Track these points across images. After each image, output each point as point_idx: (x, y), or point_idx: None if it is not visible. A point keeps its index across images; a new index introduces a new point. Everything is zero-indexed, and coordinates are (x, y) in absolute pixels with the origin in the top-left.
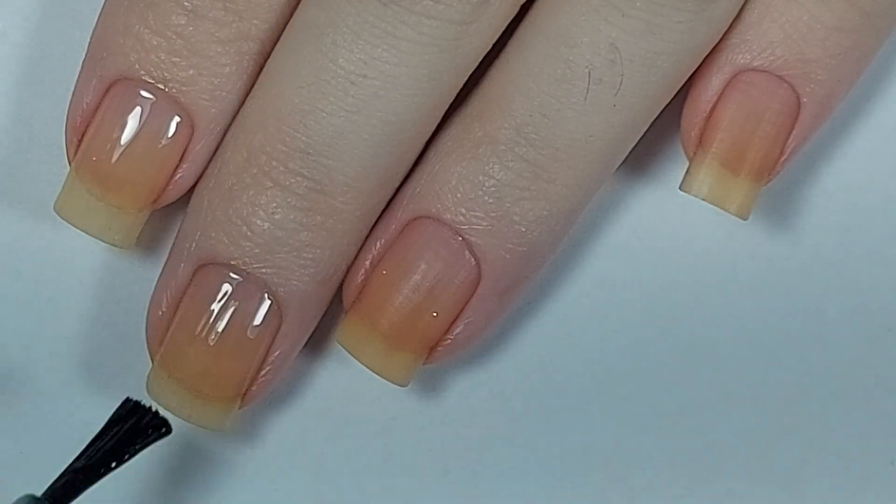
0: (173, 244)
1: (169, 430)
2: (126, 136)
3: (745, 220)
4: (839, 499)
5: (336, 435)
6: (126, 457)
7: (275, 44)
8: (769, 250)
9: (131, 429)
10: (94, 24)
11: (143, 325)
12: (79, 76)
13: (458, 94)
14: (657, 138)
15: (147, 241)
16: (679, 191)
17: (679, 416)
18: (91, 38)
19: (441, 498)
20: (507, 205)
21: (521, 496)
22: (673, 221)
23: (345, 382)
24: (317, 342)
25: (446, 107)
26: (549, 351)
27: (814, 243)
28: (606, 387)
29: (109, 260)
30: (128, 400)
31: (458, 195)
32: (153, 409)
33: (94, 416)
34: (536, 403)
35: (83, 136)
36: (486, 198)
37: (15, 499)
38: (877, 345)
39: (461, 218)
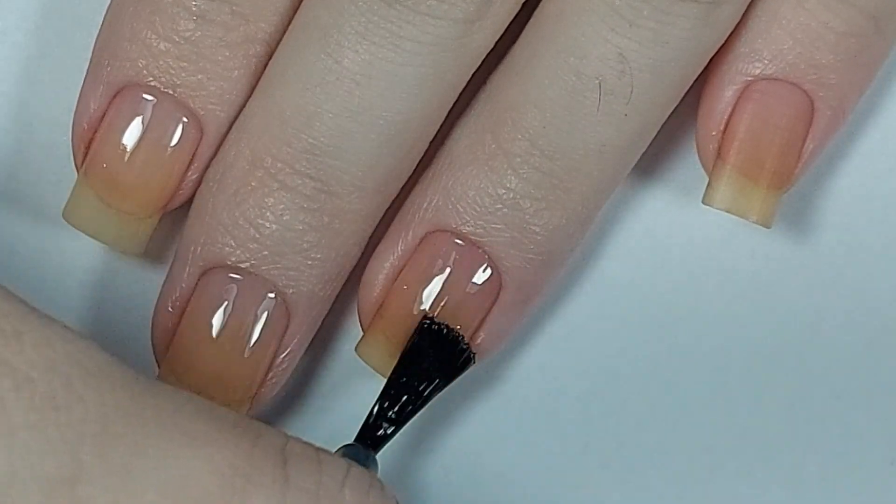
0: (177, 249)
1: (473, 360)
2: (136, 142)
3: (767, 228)
4: (839, 499)
5: (336, 435)
6: (434, 394)
7: None
8: (769, 250)
9: (435, 361)
10: (94, 23)
11: (143, 326)
12: (84, 82)
13: (463, 100)
14: (658, 140)
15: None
16: (703, 204)
17: (679, 416)
18: (95, 44)
19: (441, 498)
20: (526, 215)
21: (521, 496)
22: (672, 221)
23: (345, 383)
24: (316, 342)
25: (450, 105)
26: (550, 351)
27: (814, 243)
28: (607, 387)
29: (109, 260)
30: (424, 324)
31: (477, 208)
32: (458, 337)
33: None
34: (536, 403)
35: (91, 142)
36: (505, 209)
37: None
38: (877, 345)
39: (481, 230)
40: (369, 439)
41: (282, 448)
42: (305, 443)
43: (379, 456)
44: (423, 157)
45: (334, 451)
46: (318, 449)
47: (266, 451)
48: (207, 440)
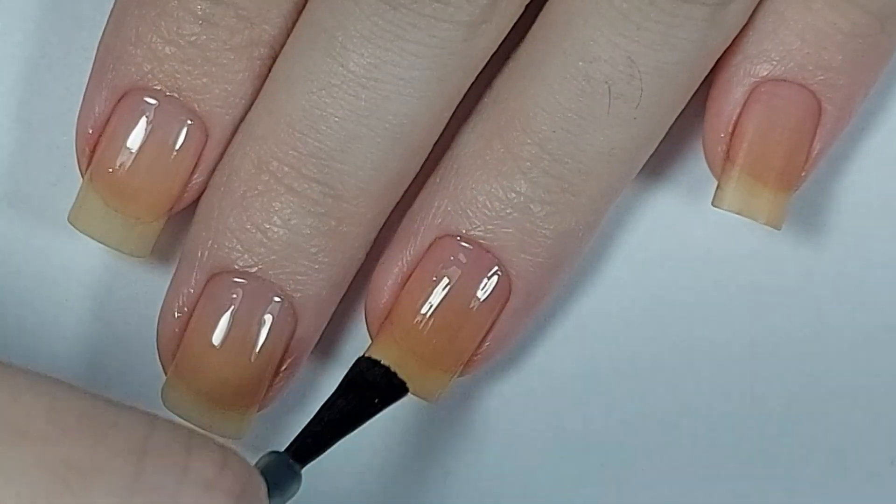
0: (182, 253)
1: (406, 391)
2: (140, 145)
3: (778, 230)
4: (839, 499)
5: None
6: (364, 419)
7: None
8: (769, 250)
9: (368, 390)
10: (95, 24)
11: (144, 326)
12: (88, 86)
13: (466, 102)
14: (665, 141)
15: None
16: (712, 206)
17: (679, 416)
18: (99, 47)
19: (441, 498)
20: (536, 220)
21: (521, 496)
22: (673, 221)
23: None
24: (320, 346)
25: (454, 107)
26: (550, 351)
27: (814, 243)
28: (607, 387)
29: (109, 260)
30: (360, 360)
31: (487, 212)
32: (390, 369)
33: None
34: (536, 403)
35: (95, 146)
36: (515, 214)
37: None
38: (877, 345)
39: (491, 235)
40: (297, 452)
41: (141, 440)
42: (180, 432)
43: (379, 455)
44: (426, 160)
45: (260, 456)
46: (195, 438)
47: (116, 444)
48: (40, 436)
